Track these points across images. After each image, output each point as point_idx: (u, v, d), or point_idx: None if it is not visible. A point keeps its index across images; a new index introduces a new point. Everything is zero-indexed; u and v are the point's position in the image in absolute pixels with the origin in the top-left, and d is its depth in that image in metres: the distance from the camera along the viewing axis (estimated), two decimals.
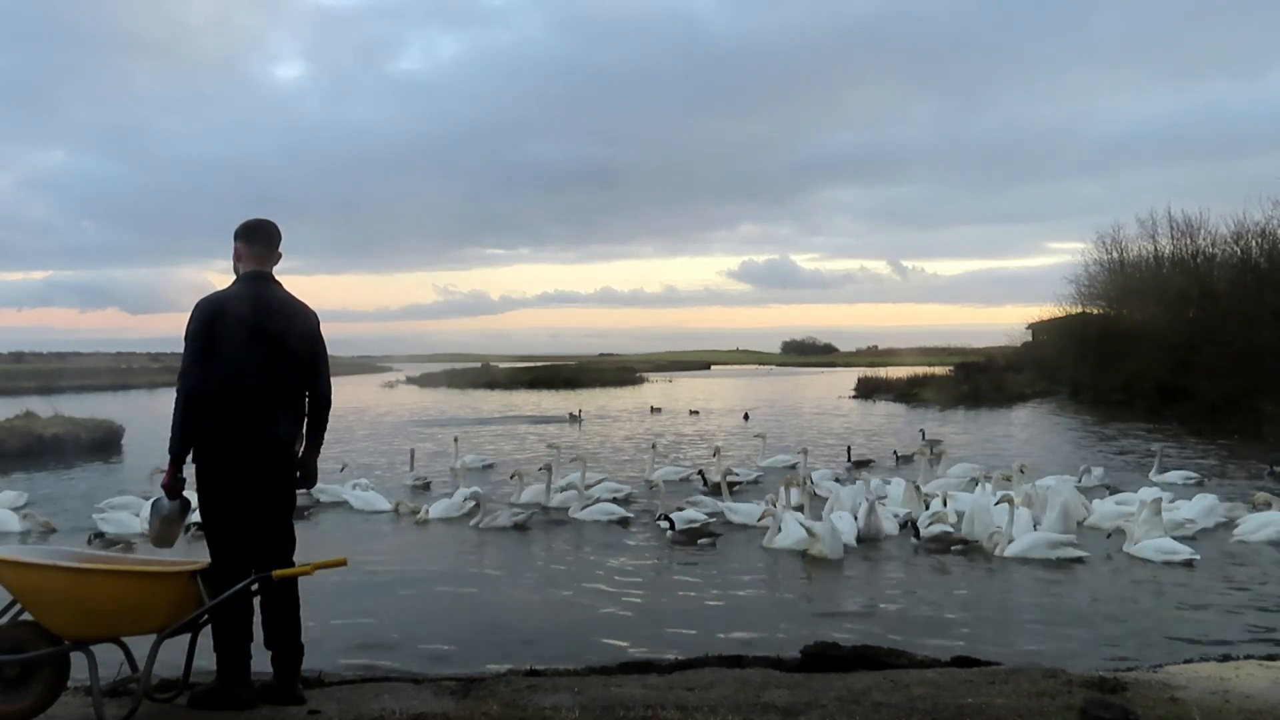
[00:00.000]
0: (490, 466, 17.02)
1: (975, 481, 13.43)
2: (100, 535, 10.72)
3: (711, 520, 11.09)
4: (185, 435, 4.05)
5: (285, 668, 4.15)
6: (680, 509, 11.38)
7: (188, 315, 4.15)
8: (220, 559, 4.04)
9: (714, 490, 13.50)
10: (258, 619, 4.13)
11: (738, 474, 14.81)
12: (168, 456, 4.09)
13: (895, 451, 18.31)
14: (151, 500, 4.29)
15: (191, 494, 4.19)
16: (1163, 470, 15.18)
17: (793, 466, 17.48)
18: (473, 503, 12.15)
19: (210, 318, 4.07)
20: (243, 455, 4.04)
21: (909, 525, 10.39)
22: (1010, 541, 9.68)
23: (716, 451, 16.74)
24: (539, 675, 5.08)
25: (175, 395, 4.07)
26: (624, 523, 11.83)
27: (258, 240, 4.31)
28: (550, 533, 11.43)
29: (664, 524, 10.90)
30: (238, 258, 4.31)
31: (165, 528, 4.22)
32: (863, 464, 17.20)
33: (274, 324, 4.16)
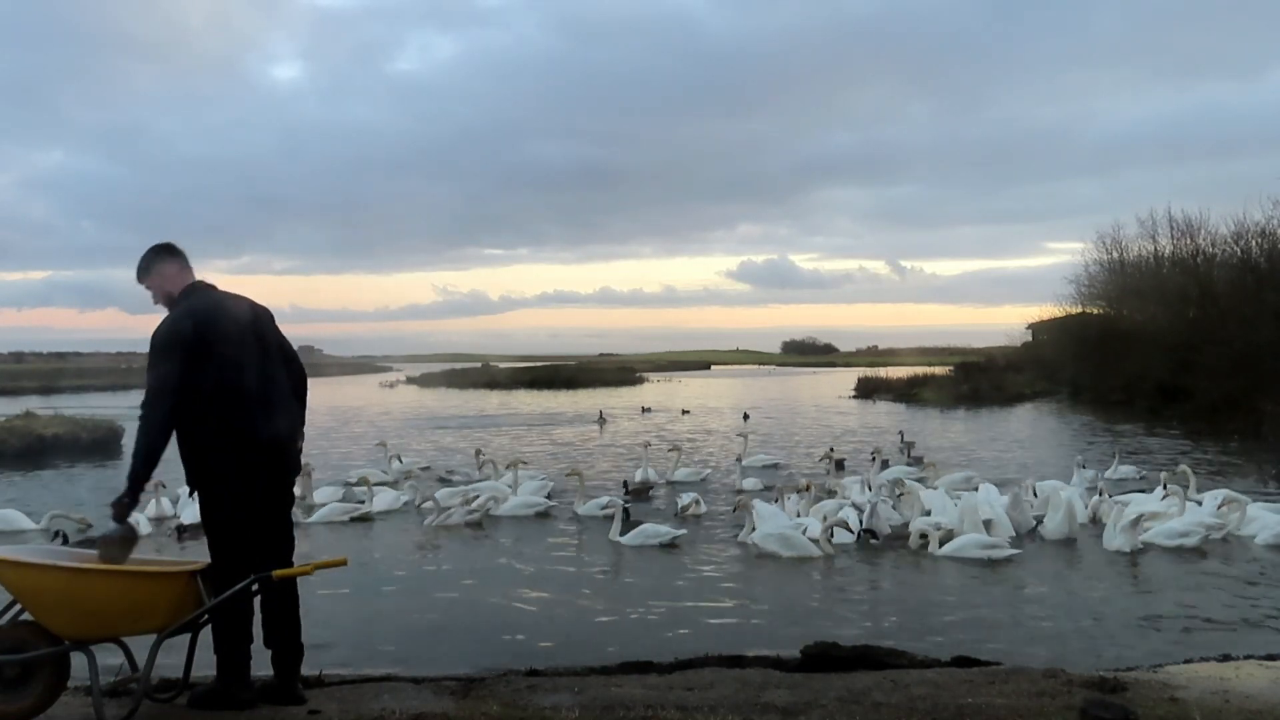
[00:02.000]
0: (428, 469, 16.92)
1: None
2: (59, 533, 10.44)
3: (627, 504, 11.65)
4: (155, 457, 3.94)
5: (286, 667, 4.16)
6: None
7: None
8: (220, 559, 4.04)
9: (636, 495, 13.51)
10: (258, 619, 4.14)
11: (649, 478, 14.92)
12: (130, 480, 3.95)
13: (873, 454, 18.18)
14: (102, 533, 4.11)
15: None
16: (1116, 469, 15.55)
17: (775, 465, 17.54)
18: (353, 506, 12.44)
19: (197, 328, 4.03)
20: (243, 457, 4.04)
21: (866, 533, 10.35)
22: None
23: (675, 448, 16.67)
24: (539, 675, 5.08)
25: (146, 416, 3.93)
26: (546, 514, 12.37)
27: (178, 255, 4.28)
28: (517, 532, 11.44)
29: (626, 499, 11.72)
30: (166, 279, 4.22)
31: (120, 551, 4.03)
32: (839, 465, 17.06)
33: (253, 325, 4.22)
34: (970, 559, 9.45)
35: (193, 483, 4.15)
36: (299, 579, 4.09)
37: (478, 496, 12.41)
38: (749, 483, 14.38)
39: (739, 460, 15.83)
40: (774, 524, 10.29)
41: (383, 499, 12.85)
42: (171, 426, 3.99)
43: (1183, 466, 12.02)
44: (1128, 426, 25.57)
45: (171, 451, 4.09)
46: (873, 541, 10.20)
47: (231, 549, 4.04)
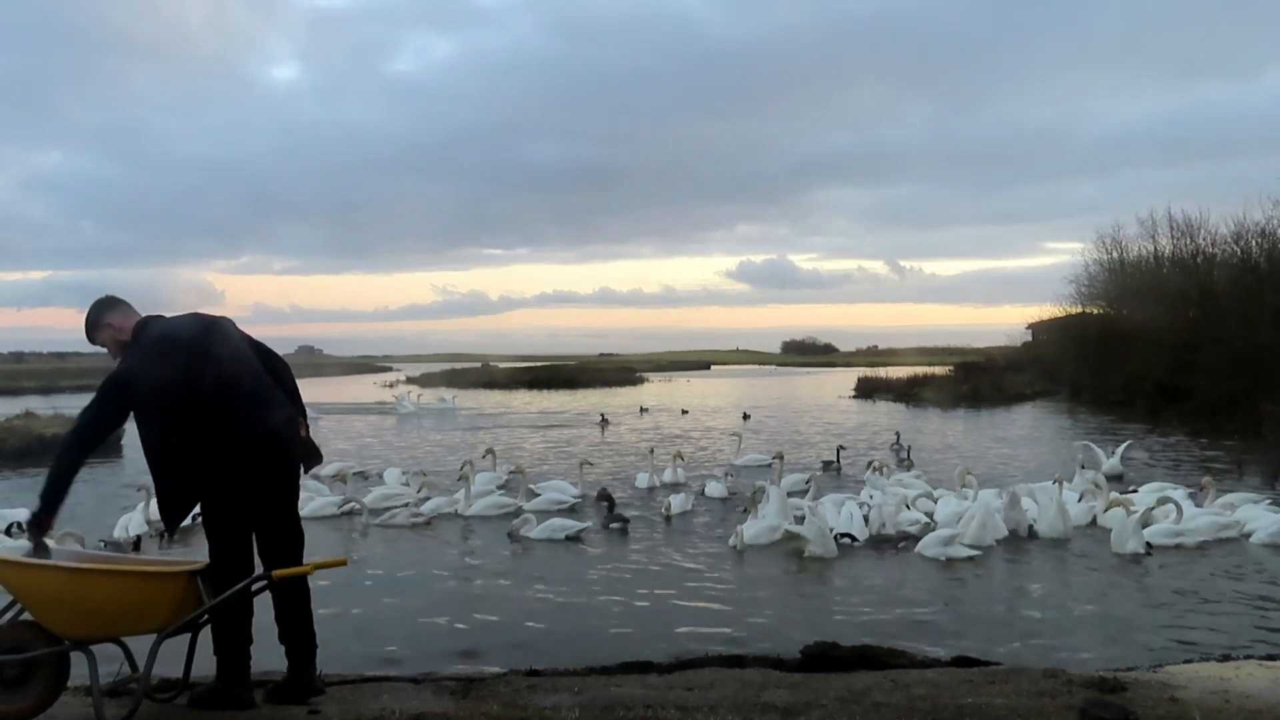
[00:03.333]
0: (361, 472, 16.63)
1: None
2: (17, 526, 10.47)
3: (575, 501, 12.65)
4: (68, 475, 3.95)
5: (301, 661, 4.16)
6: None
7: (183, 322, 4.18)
8: (220, 559, 4.03)
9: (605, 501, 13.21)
10: (260, 618, 4.14)
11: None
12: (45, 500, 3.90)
13: (871, 463, 18.15)
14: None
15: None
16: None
17: (768, 465, 17.53)
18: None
19: (180, 337, 4.06)
20: (244, 454, 4.04)
21: (845, 536, 10.35)
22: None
23: (678, 454, 16.36)
24: (539, 675, 5.07)
25: (80, 434, 3.94)
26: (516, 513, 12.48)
27: (122, 302, 4.29)
28: (498, 531, 11.42)
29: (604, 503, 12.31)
30: (117, 329, 4.19)
31: None
32: (831, 468, 16.83)
33: (224, 328, 4.25)
34: (960, 558, 9.48)
35: (181, 487, 4.11)
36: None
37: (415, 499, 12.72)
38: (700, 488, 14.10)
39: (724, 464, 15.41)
40: (766, 522, 10.32)
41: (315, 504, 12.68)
42: (115, 427, 4.03)
43: (1129, 492, 12.04)
44: (1128, 426, 25.57)
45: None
46: (854, 543, 10.16)
47: (231, 548, 4.04)
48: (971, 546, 9.74)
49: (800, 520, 10.48)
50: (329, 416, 31.11)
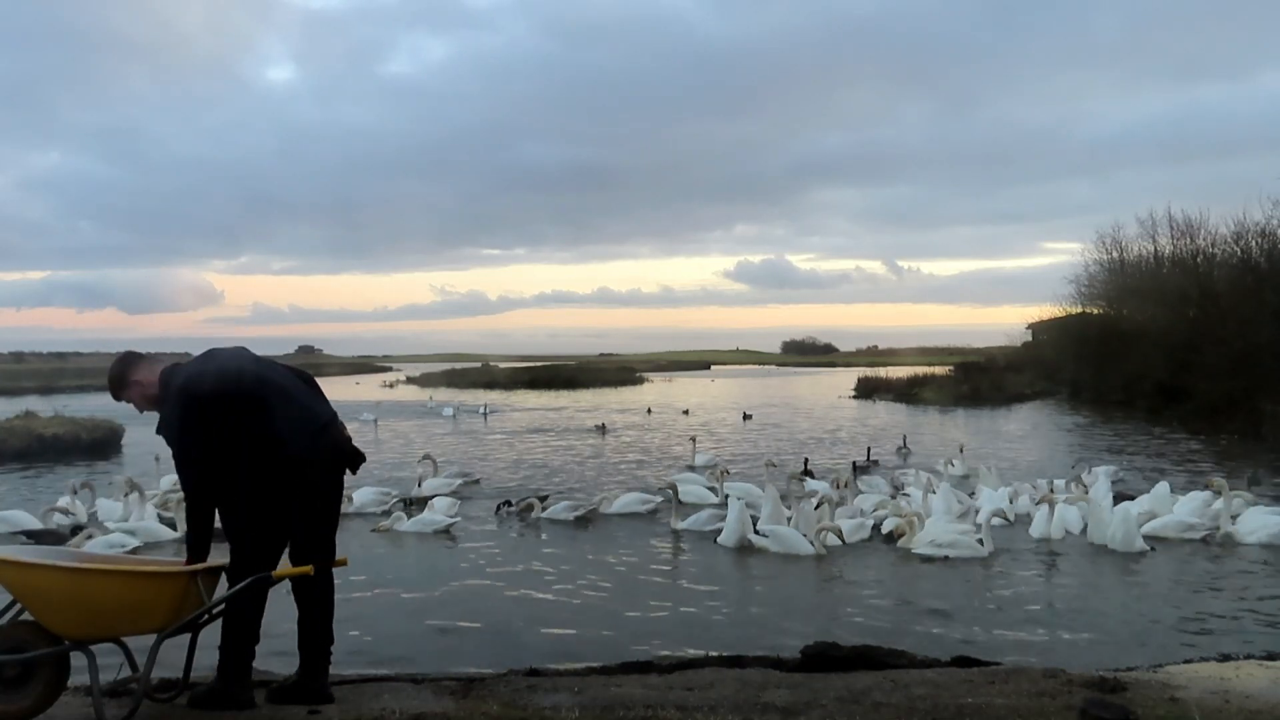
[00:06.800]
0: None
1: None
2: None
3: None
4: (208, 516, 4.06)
5: (316, 668, 4.16)
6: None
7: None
8: (241, 560, 4.03)
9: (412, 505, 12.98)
10: (271, 620, 4.13)
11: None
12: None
13: (854, 462, 18.04)
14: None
15: None
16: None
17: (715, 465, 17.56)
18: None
19: (210, 374, 4.05)
20: (297, 476, 4.06)
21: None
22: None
23: (719, 469, 16.10)
24: (539, 675, 5.07)
25: (186, 499, 4.04)
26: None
27: (143, 356, 4.29)
28: (525, 533, 11.45)
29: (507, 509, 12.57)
30: (145, 384, 4.15)
31: None
32: (808, 474, 16.47)
33: (248, 353, 4.30)
34: (960, 558, 9.51)
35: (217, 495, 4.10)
36: (300, 577, 4.08)
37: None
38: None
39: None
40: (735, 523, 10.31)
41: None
42: (206, 477, 4.00)
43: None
44: (1127, 426, 25.57)
45: (152, 447, 4.08)
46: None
47: (249, 550, 4.04)
48: (970, 547, 9.74)
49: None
50: (382, 420, 31.13)
